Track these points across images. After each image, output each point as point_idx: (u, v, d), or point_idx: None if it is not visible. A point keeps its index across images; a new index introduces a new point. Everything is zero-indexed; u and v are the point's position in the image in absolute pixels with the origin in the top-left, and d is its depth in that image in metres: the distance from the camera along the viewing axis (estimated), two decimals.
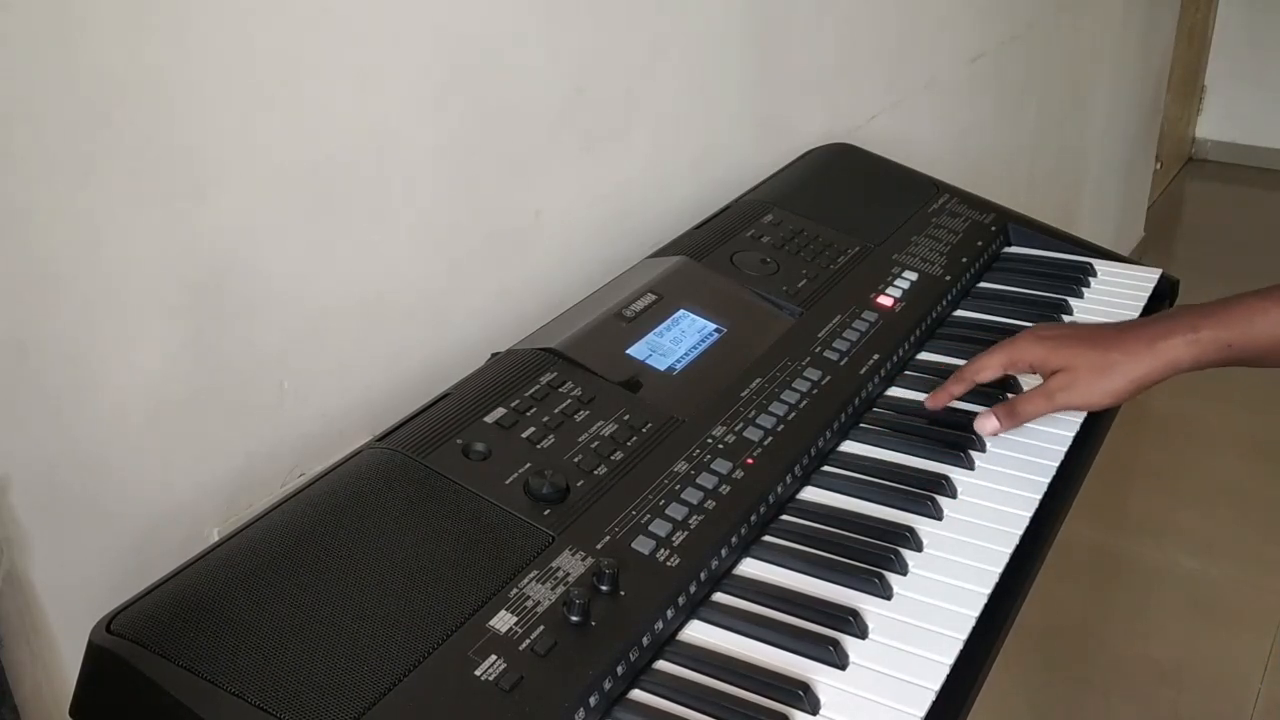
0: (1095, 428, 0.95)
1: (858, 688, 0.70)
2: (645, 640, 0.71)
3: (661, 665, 0.72)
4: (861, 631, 0.74)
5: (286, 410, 0.86)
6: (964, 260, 1.17)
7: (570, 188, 1.10)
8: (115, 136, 0.71)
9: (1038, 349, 0.90)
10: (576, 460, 0.80)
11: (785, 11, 1.37)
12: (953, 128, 1.97)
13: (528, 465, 0.78)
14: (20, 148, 0.66)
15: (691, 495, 0.80)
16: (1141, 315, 1.14)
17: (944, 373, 1.01)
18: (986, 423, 0.91)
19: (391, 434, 0.80)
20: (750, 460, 0.84)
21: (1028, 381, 0.96)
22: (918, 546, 0.82)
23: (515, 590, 0.70)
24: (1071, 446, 0.93)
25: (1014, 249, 1.25)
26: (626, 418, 0.85)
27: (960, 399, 0.96)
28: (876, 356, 0.99)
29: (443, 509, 0.74)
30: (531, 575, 0.71)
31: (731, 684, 0.70)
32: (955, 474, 0.89)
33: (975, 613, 0.76)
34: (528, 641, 0.67)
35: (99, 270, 0.72)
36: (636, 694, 0.69)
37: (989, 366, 0.92)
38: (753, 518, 0.82)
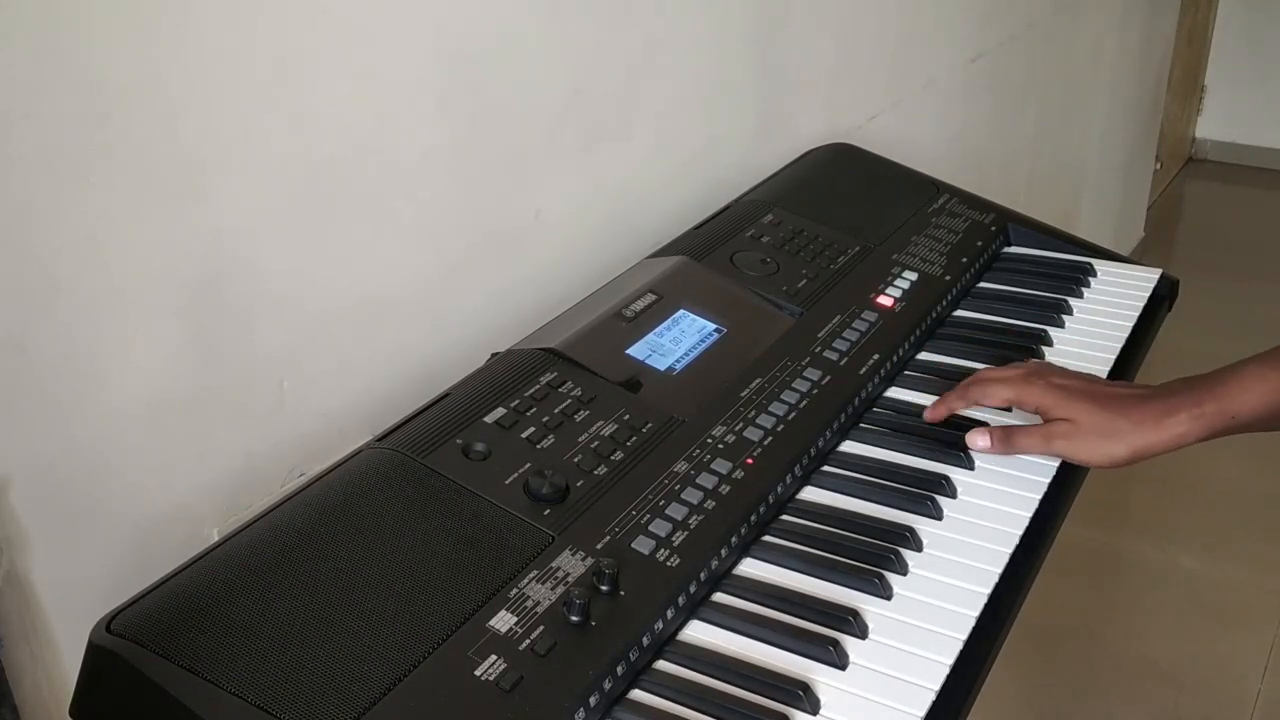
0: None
1: (858, 688, 0.70)
2: (645, 640, 0.71)
3: (661, 665, 0.72)
4: (861, 631, 0.74)
5: (286, 410, 0.86)
6: (964, 260, 1.17)
7: (570, 188, 1.10)
8: (115, 136, 0.71)
9: (1048, 396, 0.90)
10: (576, 460, 0.80)
11: (785, 11, 1.37)
12: (953, 128, 1.97)
13: (528, 465, 0.78)
14: (20, 148, 0.66)
15: (691, 495, 0.80)
16: (1140, 316, 1.14)
17: (944, 373, 1.01)
18: (979, 440, 0.91)
19: (391, 434, 0.80)
20: (750, 460, 0.84)
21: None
22: (918, 546, 0.82)
23: (515, 590, 0.70)
24: None
25: (1014, 249, 1.25)
26: (626, 418, 0.85)
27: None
28: (876, 356, 0.99)
29: (443, 509, 0.74)
30: (531, 575, 0.71)
31: (731, 684, 0.70)
32: (955, 474, 0.89)
33: (975, 613, 0.76)
34: (528, 641, 0.67)
35: (99, 270, 0.72)
36: (636, 694, 0.69)
37: (995, 395, 0.92)
38: (753, 518, 0.82)
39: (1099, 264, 1.22)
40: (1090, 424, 0.88)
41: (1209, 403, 0.87)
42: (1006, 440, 0.91)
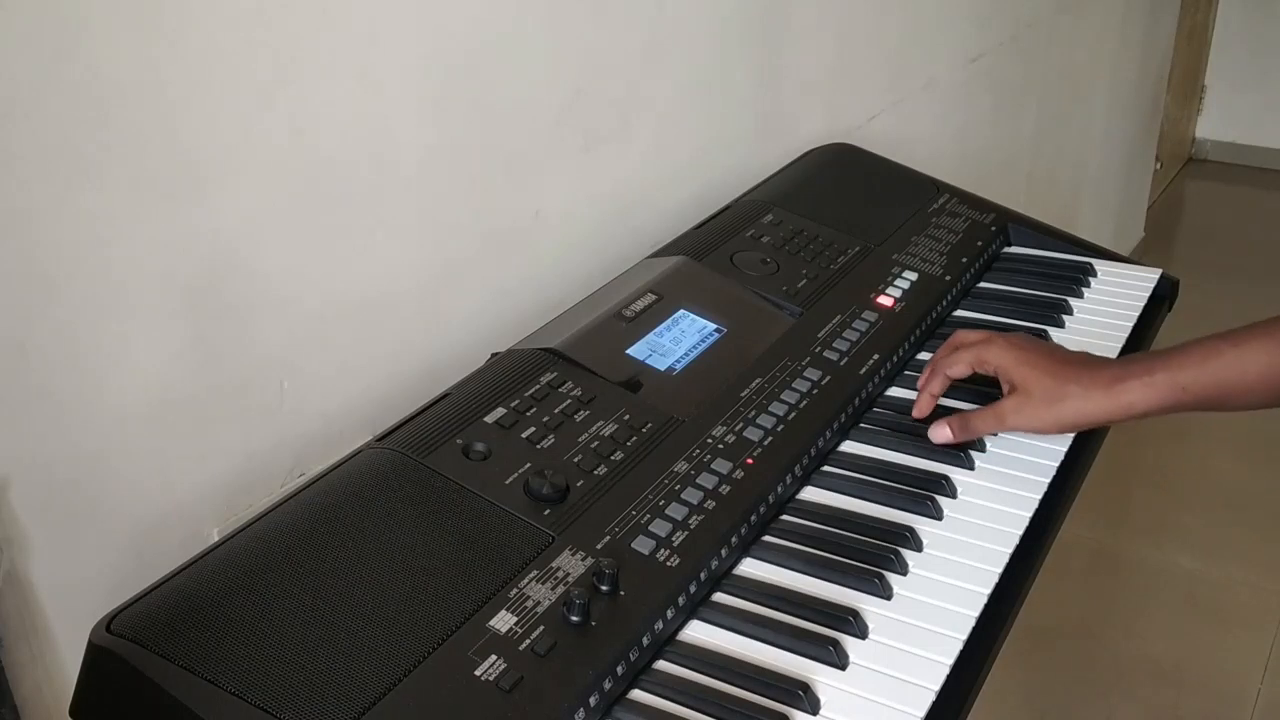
0: (1095, 429, 0.95)
1: (858, 688, 0.70)
2: (645, 640, 0.71)
3: (661, 665, 0.72)
4: (861, 631, 0.74)
5: (286, 410, 0.86)
6: (964, 260, 1.17)
7: (570, 188, 1.10)
8: (115, 136, 0.71)
9: (1005, 357, 0.91)
10: (576, 460, 0.80)
11: (785, 11, 1.37)
12: (952, 128, 1.97)
13: (528, 465, 0.78)
14: (20, 148, 0.66)
15: (691, 495, 0.80)
16: (1140, 316, 1.14)
17: None
18: (940, 432, 0.92)
19: (391, 434, 0.80)
20: (750, 460, 0.84)
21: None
22: (918, 546, 0.82)
23: (515, 590, 0.70)
24: (1071, 447, 0.93)
25: (1014, 249, 1.25)
26: (626, 418, 0.85)
27: (953, 396, 0.97)
28: (876, 356, 0.99)
29: (443, 509, 0.74)
30: (531, 575, 0.71)
31: (731, 684, 0.70)
32: (955, 474, 0.89)
33: (975, 613, 0.76)
34: (528, 641, 0.67)
35: (99, 270, 0.72)
36: (636, 694, 0.69)
37: (958, 362, 0.94)
38: (753, 518, 0.82)
39: (1099, 264, 1.22)
40: (1040, 392, 0.89)
41: (1160, 372, 0.87)
42: (964, 428, 0.92)
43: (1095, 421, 0.89)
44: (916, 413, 0.95)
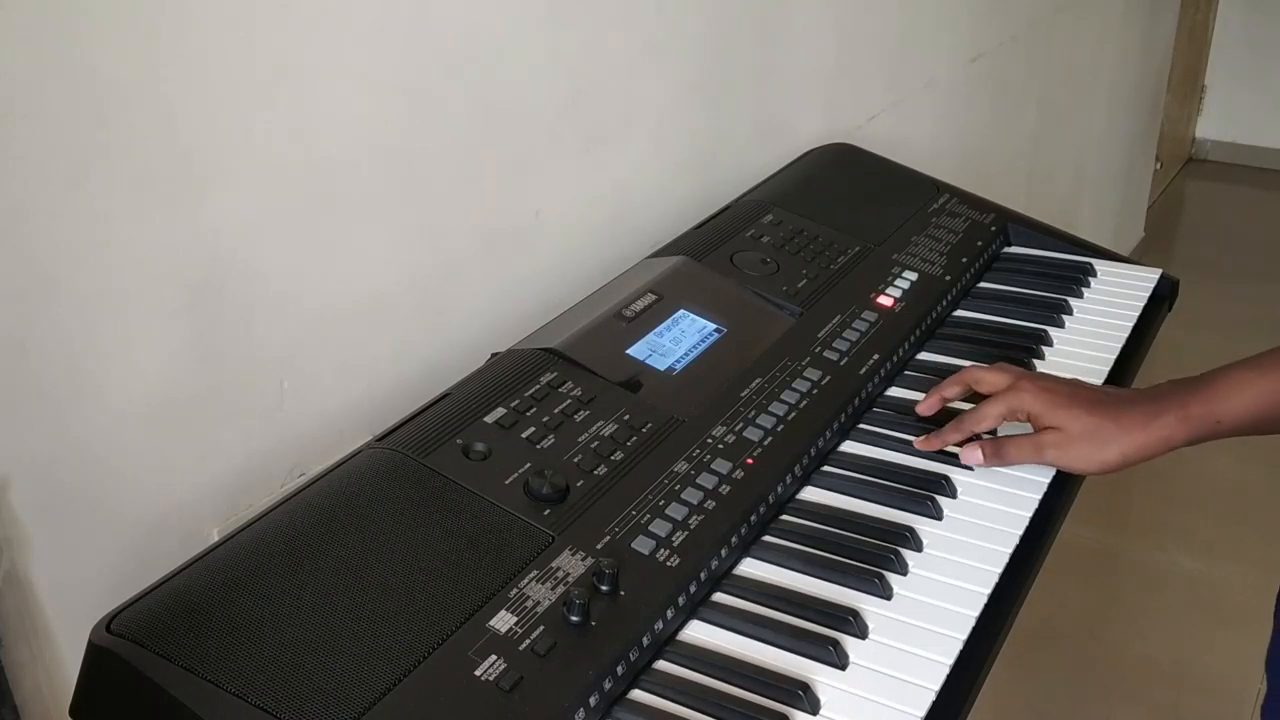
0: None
1: (858, 688, 0.70)
2: (645, 640, 0.71)
3: (661, 665, 0.72)
4: (861, 631, 0.74)
5: (286, 410, 0.86)
6: (964, 260, 1.17)
7: (570, 188, 1.10)
8: (115, 136, 0.71)
9: (1038, 402, 0.90)
10: (576, 460, 0.80)
11: (785, 11, 1.37)
12: (953, 128, 1.97)
13: (528, 465, 0.78)
14: (20, 148, 0.66)
15: (691, 495, 0.80)
16: (1140, 316, 1.14)
17: (944, 373, 1.01)
18: (972, 454, 0.91)
19: (391, 434, 0.80)
20: (750, 460, 0.84)
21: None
22: (918, 546, 0.82)
23: (515, 590, 0.70)
24: None
25: (1014, 249, 1.25)
26: (626, 418, 0.85)
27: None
28: (876, 356, 0.99)
29: (443, 509, 0.74)
30: (531, 575, 0.71)
31: (731, 684, 0.70)
32: (955, 474, 0.89)
33: (975, 613, 0.76)
34: (528, 641, 0.67)
35: (99, 270, 0.72)
36: (636, 694, 0.69)
37: (989, 416, 0.91)
38: (753, 518, 0.82)
39: (1099, 264, 1.22)
40: (1079, 431, 0.88)
41: (1194, 405, 0.87)
42: (998, 454, 0.90)
43: (1136, 459, 0.88)
44: (924, 446, 0.92)
